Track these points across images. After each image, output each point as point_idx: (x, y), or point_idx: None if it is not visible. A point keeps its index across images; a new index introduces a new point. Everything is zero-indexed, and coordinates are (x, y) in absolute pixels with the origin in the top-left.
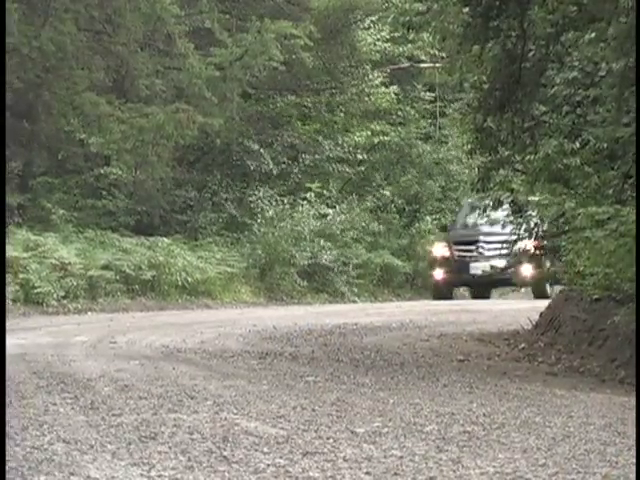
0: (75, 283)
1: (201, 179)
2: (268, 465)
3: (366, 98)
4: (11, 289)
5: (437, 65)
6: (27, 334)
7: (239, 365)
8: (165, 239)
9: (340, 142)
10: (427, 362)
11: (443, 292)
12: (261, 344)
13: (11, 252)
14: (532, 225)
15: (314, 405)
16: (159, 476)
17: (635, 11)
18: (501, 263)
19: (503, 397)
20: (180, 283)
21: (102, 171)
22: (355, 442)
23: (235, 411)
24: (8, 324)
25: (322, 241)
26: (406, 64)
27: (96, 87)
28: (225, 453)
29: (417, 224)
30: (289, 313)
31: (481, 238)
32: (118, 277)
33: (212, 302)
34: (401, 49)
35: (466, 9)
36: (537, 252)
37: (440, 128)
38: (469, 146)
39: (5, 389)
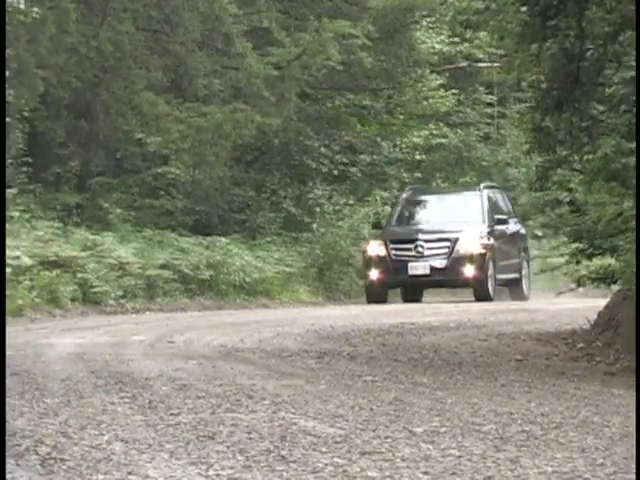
0: (133, 283)
1: (259, 178)
2: (326, 464)
3: (424, 101)
4: (69, 288)
5: (495, 64)
6: (85, 333)
7: (297, 364)
8: (223, 239)
9: (398, 143)
10: (485, 362)
11: (378, 294)
12: (319, 343)
13: (69, 252)
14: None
15: (372, 404)
16: (217, 475)
17: None
18: (442, 263)
19: (561, 397)
20: (238, 283)
21: (160, 171)
22: (413, 441)
23: (293, 410)
24: (66, 323)
25: None
26: (464, 64)
27: (154, 86)
28: (283, 452)
29: None
30: (347, 313)
31: (420, 237)
32: (176, 276)
33: (270, 302)
34: (459, 49)
35: (524, 8)
36: (480, 252)
37: (499, 129)
38: (527, 146)
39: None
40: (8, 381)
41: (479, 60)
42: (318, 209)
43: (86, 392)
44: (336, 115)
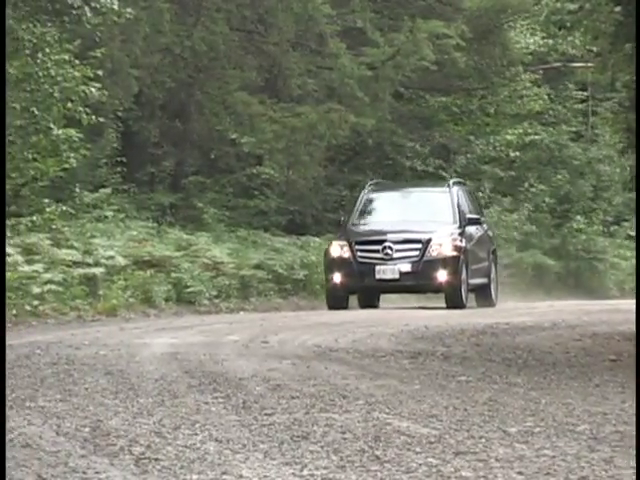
0: (227, 282)
1: (353, 178)
2: (420, 465)
3: (518, 100)
4: (163, 288)
5: (589, 64)
6: (179, 333)
7: (391, 365)
8: (317, 238)
9: (492, 141)
10: (579, 362)
11: (340, 299)
12: (413, 344)
13: (163, 251)
14: None
15: (466, 405)
16: (311, 475)
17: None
18: (412, 267)
19: None
20: None
21: (254, 171)
22: (507, 442)
23: (387, 411)
24: (160, 323)
25: None
26: (558, 64)
27: (248, 86)
28: (377, 453)
29: (568, 223)
30: (440, 313)
31: (389, 237)
32: (270, 276)
33: None
34: (552, 49)
35: (618, 8)
36: (453, 254)
37: (592, 127)
38: (621, 145)
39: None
40: (103, 380)
41: (573, 60)
42: None
43: (180, 392)
44: (429, 115)
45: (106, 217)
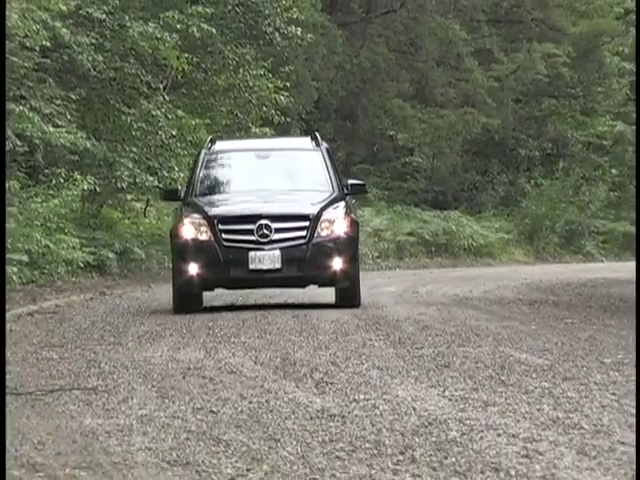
0: (386, 246)
1: (483, 165)
2: (536, 387)
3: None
4: None
5: None
6: None
7: (513, 310)
8: (456, 212)
9: (592, 132)
10: None
11: (191, 298)
12: (530, 294)
13: None
14: None
15: (571, 341)
16: (452, 395)
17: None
18: (298, 252)
19: None
20: (467, 246)
21: (407, 160)
22: (603, 370)
23: (510, 345)
24: None
25: (575, 213)
26: None
27: (402, 94)
28: (502, 378)
29: None
30: (552, 270)
31: (266, 211)
32: (419, 241)
33: (492, 261)
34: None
35: None
36: (350, 234)
37: None
38: None
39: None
40: (290, 322)
41: None
42: (527, 189)
43: (350, 331)
44: (542, 115)
45: None
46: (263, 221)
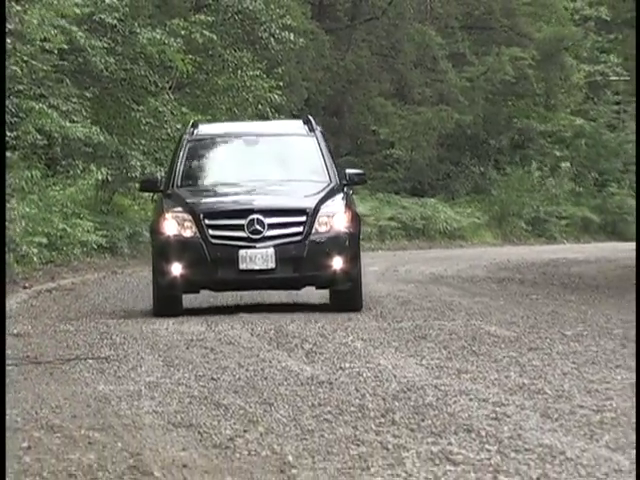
0: (369, 230)
1: (456, 157)
2: (504, 357)
3: (568, 99)
4: None
5: (621, 78)
6: None
7: (484, 287)
8: (432, 199)
9: (552, 129)
10: (615, 285)
11: (172, 300)
12: (499, 272)
13: None
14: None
15: (535, 315)
16: (428, 364)
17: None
18: (295, 250)
19: None
20: (442, 230)
21: (388, 152)
22: (565, 341)
23: (481, 319)
24: None
25: (539, 200)
26: (599, 77)
27: (384, 93)
28: (474, 348)
29: (605, 189)
30: (518, 251)
31: (257, 205)
32: (399, 226)
33: (465, 243)
34: (596, 68)
35: None
36: (350, 230)
37: (622, 121)
38: None
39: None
40: (284, 298)
41: (609, 75)
42: (494, 179)
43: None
44: (510, 112)
45: None
46: (255, 216)
